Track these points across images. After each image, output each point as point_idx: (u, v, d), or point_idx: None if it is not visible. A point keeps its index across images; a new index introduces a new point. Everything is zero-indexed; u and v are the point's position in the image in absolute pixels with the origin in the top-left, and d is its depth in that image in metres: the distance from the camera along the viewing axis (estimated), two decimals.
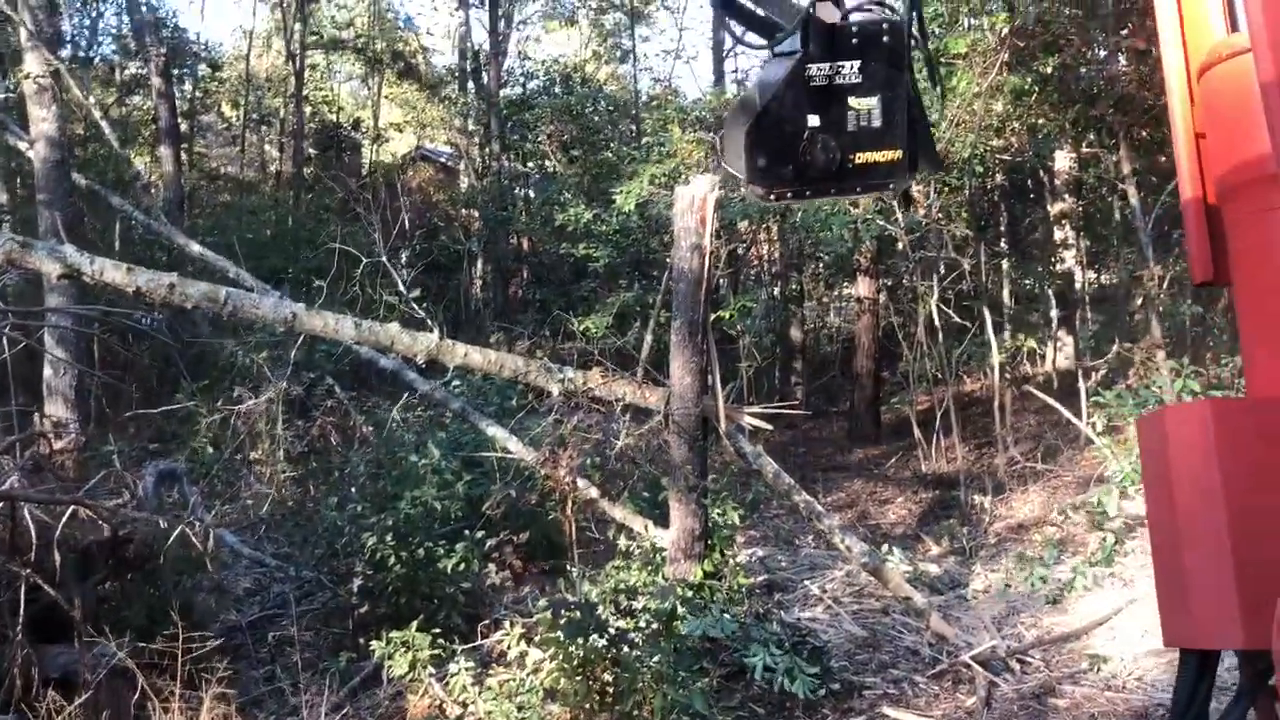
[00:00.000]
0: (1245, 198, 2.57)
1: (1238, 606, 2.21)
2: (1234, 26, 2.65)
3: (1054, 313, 16.33)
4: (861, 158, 2.91)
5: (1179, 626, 2.46)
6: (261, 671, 7.53)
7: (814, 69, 2.85)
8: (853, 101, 2.87)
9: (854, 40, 2.88)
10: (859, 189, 3.02)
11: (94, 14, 22.05)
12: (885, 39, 2.90)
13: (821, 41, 2.84)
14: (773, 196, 2.96)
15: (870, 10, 2.94)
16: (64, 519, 6.69)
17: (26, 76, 10.61)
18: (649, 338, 11.46)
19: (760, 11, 2.90)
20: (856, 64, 2.86)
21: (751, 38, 3.05)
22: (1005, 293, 16.90)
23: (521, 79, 24.01)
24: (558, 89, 22.17)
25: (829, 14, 2.87)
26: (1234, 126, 2.60)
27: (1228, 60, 2.62)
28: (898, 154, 2.93)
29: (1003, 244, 16.52)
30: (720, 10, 2.88)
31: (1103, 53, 12.95)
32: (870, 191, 3.07)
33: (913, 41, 2.97)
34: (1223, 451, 2.29)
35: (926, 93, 4.52)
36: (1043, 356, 16.66)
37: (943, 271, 14.65)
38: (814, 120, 2.85)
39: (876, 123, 2.89)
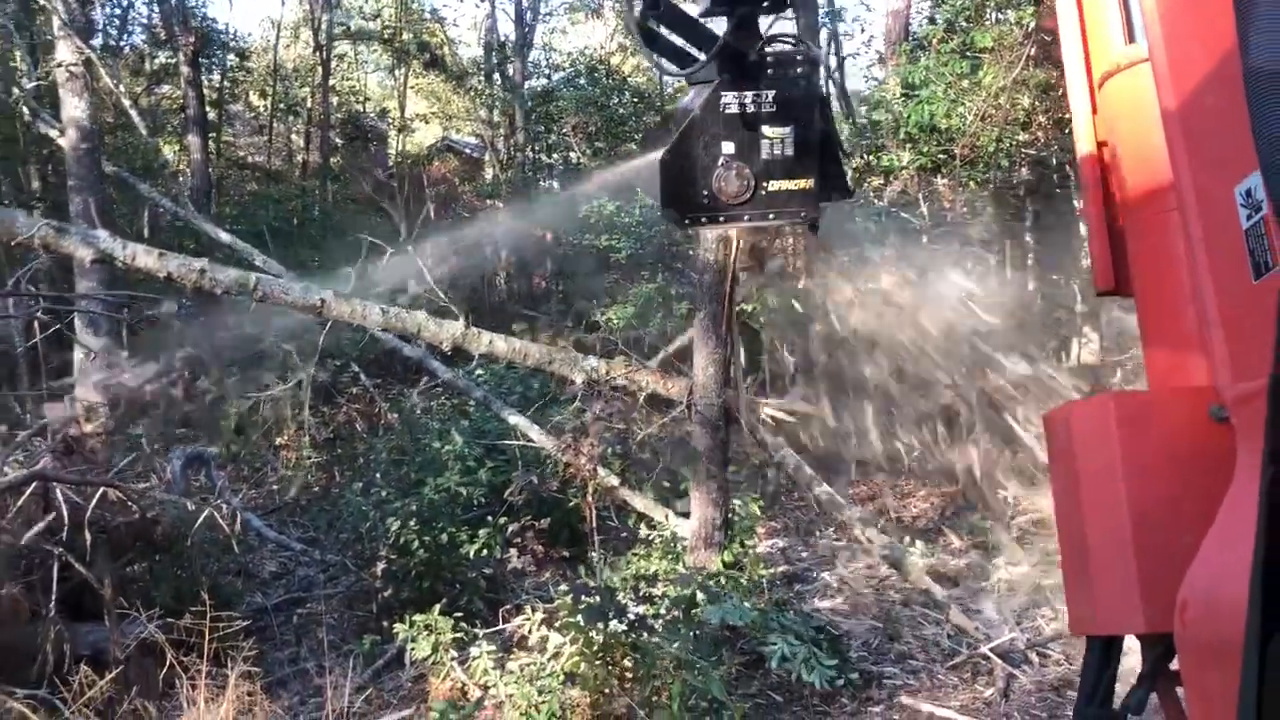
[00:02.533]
0: (1142, 204, 2.65)
1: (1138, 593, 2.27)
2: (1131, 37, 2.71)
3: (1079, 307, 16.23)
4: (774, 185, 2.94)
5: (1084, 614, 2.54)
6: (286, 653, 7.63)
7: (729, 97, 2.89)
8: (767, 130, 2.91)
9: (769, 70, 2.92)
10: (771, 216, 3.04)
11: (125, 3, 22.20)
12: (800, 70, 2.94)
13: (737, 70, 2.88)
14: (686, 221, 3.00)
15: (787, 42, 2.98)
16: (94, 500, 6.80)
17: (59, 65, 10.74)
18: (670, 329, 11.49)
19: (681, 42, 2.94)
20: (771, 93, 2.90)
21: (671, 66, 3.09)
22: (1030, 286, 16.80)
23: (546, 71, 24.05)
24: (582, 81, 22.19)
25: (745, 44, 2.91)
26: (1132, 134, 2.68)
27: (1126, 70, 2.69)
28: (809, 183, 2.96)
29: (1027, 239, 16.42)
30: (642, 41, 2.90)
31: None
32: (782, 220, 3.09)
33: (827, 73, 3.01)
34: (1124, 442, 2.35)
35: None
36: (1068, 351, 16.59)
37: (967, 265, 14.58)
38: (728, 148, 2.90)
39: (789, 151, 2.92)
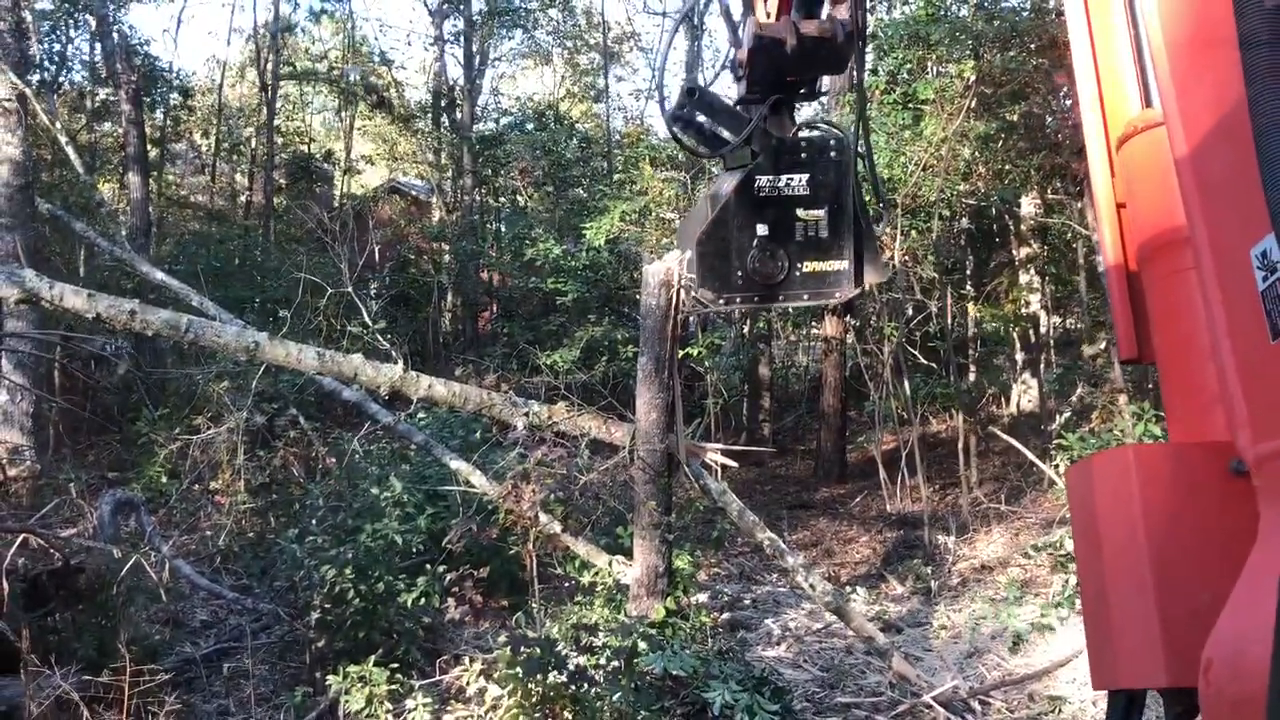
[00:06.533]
0: (1160, 262, 2.69)
1: (1161, 646, 2.26)
2: (1148, 101, 2.76)
3: (1018, 356, 16.49)
4: (809, 267, 3.00)
5: (1106, 668, 2.52)
6: (215, 705, 7.37)
7: (763, 180, 2.94)
8: (800, 213, 2.95)
9: (803, 154, 2.97)
10: (806, 297, 3.10)
11: (64, 39, 21.92)
12: (833, 154, 2.99)
13: (771, 155, 2.92)
14: (722, 301, 3.03)
15: (818, 128, 3.05)
16: (14, 547, 6.55)
17: None
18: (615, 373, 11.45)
19: (717, 129, 2.98)
20: (804, 177, 2.95)
21: (704, 151, 3.14)
22: (970, 335, 17.04)
23: (495, 115, 24.13)
24: (530, 125, 22.29)
25: (780, 129, 2.95)
26: (1150, 196, 2.72)
27: (1144, 132, 2.73)
28: (844, 264, 3.01)
29: (968, 287, 16.68)
30: (677, 127, 2.93)
31: (1067, 102, 13.19)
32: (818, 300, 3.15)
33: (859, 158, 3.07)
34: (1145, 495, 2.35)
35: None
36: (1007, 399, 16.81)
37: (909, 313, 14.77)
38: (763, 230, 2.93)
39: (824, 233, 2.97)
